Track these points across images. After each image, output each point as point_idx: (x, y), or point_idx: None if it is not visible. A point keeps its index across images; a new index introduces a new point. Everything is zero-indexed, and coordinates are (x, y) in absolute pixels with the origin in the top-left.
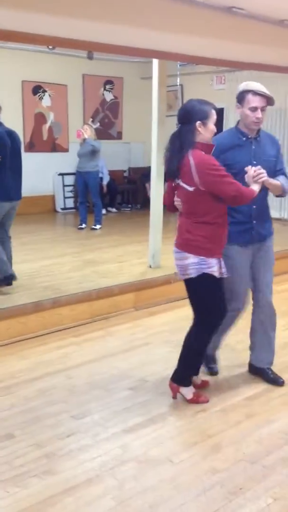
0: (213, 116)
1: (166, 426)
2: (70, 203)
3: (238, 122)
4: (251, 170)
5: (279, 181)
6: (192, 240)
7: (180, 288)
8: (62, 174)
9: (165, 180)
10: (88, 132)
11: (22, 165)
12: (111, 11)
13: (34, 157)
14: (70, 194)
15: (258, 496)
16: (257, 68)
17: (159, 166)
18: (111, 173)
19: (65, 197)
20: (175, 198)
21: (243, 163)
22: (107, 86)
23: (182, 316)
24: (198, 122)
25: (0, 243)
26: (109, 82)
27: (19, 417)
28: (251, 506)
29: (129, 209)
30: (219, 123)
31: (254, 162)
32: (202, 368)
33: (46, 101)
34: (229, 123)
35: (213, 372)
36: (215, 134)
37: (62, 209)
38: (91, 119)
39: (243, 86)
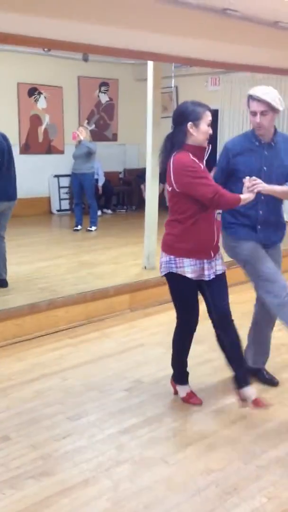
0: (206, 117)
1: (162, 427)
2: (65, 204)
3: None
4: (247, 181)
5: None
6: (164, 238)
7: None
8: (57, 176)
9: (160, 181)
10: (83, 134)
11: (15, 166)
12: (106, 13)
13: (30, 159)
14: (66, 196)
15: (253, 496)
16: (251, 70)
17: (154, 167)
18: (107, 174)
19: (60, 199)
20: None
21: (252, 169)
22: (102, 88)
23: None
24: (189, 123)
25: None
26: (104, 84)
27: (15, 419)
28: (245, 505)
29: (124, 210)
30: (213, 125)
31: (265, 169)
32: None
33: (41, 103)
34: (224, 124)
35: (272, 383)
36: (211, 136)
37: (58, 210)
38: (86, 121)
39: (249, 90)
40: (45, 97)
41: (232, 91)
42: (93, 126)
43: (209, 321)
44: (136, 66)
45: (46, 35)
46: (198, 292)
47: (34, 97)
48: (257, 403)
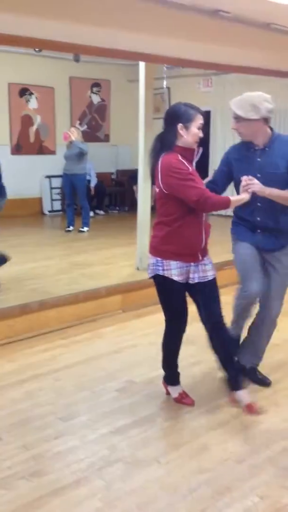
0: (198, 120)
1: (154, 427)
2: (57, 205)
3: None
4: (243, 181)
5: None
6: (151, 240)
7: None
8: (49, 177)
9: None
10: (75, 135)
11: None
12: (98, 14)
13: (21, 160)
14: (58, 197)
15: (245, 495)
16: (244, 71)
17: (146, 168)
18: (99, 175)
19: (52, 200)
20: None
21: (247, 174)
22: (94, 89)
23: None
24: (180, 125)
25: None
26: (96, 84)
27: (6, 420)
28: (238, 505)
29: (116, 211)
30: (205, 126)
31: (258, 175)
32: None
33: (33, 104)
34: (216, 126)
35: (264, 383)
36: (202, 139)
37: (50, 211)
38: (78, 122)
39: None
40: (36, 98)
41: (225, 92)
42: (85, 127)
43: (200, 322)
44: (128, 67)
45: (38, 35)
46: (186, 294)
47: (26, 98)
48: (249, 408)
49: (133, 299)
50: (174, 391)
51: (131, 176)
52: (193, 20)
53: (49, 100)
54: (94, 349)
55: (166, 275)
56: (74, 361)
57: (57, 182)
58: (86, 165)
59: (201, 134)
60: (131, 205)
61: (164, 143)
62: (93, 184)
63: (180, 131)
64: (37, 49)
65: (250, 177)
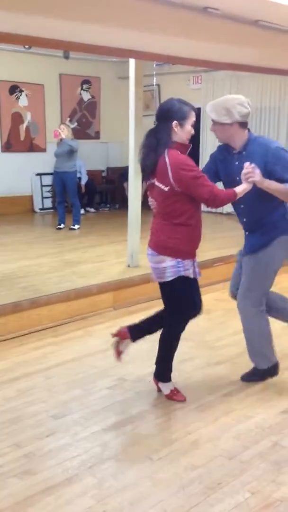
0: (191, 117)
1: (145, 424)
2: (48, 203)
3: None
4: (245, 169)
5: (286, 186)
6: (169, 242)
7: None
8: (40, 174)
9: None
10: (65, 132)
11: None
12: (87, 10)
13: (12, 157)
14: (48, 194)
15: (236, 491)
16: (233, 68)
17: (136, 165)
18: (89, 173)
19: (43, 197)
20: (149, 198)
21: (228, 178)
22: (85, 86)
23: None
24: (174, 122)
25: None
26: (86, 81)
27: None
28: (229, 500)
29: (107, 209)
30: (196, 123)
31: (237, 178)
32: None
33: (23, 101)
34: (206, 123)
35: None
36: (193, 136)
37: (41, 209)
38: (68, 119)
39: None
40: (26, 95)
41: (214, 89)
42: (75, 124)
43: (194, 319)
44: (118, 64)
45: (27, 32)
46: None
47: (16, 95)
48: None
49: (125, 296)
50: (166, 388)
51: (122, 173)
52: (182, 17)
53: (39, 97)
54: (86, 347)
55: (187, 275)
56: (66, 359)
57: (47, 180)
58: (76, 162)
59: (193, 132)
60: (122, 203)
61: (160, 139)
62: (83, 181)
63: (175, 128)
64: (26, 46)
65: (253, 165)
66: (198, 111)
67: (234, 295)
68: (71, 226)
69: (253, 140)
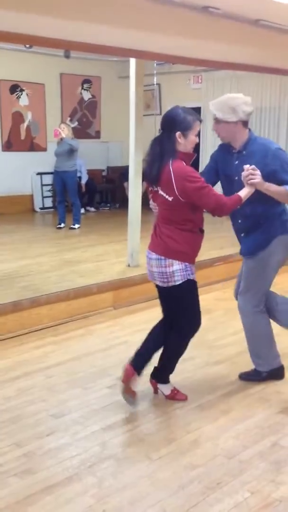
0: (196, 128)
1: (145, 424)
2: (48, 202)
3: None
4: (245, 171)
5: (286, 189)
6: (178, 247)
7: None
8: (40, 174)
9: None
10: (65, 131)
11: None
12: (88, 10)
13: (12, 157)
14: (49, 194)
15: (236, 490)
16: (233, 68)
17: (137, 165)
18: (90, 172)
19: (43, 197)
20: (151, 202)
21: (227, 177)
22: (85, 85)
23: (161, 315)
24: (178, 133)
25: None
26: (87, 81)
27: None
28: (228, 500)
29: (107, 208)
30: None
31: (236, 178)
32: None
33: (23, 100)
34: (206, 122)
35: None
36: (197, 144)
37: (41, 208)
38: (69, 118)
39: None
40: (27, 94)
41: (215, 89)
42: (76, 124)
43: None
44: (119, 63)
45: (28, 31)
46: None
47: (16, 94)
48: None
49: (125, 296)
50: (166, 389)
51: (122, 173)
52: (183, 16)
53: (40, 96)
54: (86, 346)
55: (193, 278)
56: (66, 358)
57: (48, 179)
58: (76, 162)
59: (197, 140)
60: (122, 202)
61: (164, 150)
62: (84, 181)
63: (179, 139)
64: (27, 45)
65: (253, 166)
66: (198, 111)
67: (235, 295)
68: (71, 226)
69: (254, 140)
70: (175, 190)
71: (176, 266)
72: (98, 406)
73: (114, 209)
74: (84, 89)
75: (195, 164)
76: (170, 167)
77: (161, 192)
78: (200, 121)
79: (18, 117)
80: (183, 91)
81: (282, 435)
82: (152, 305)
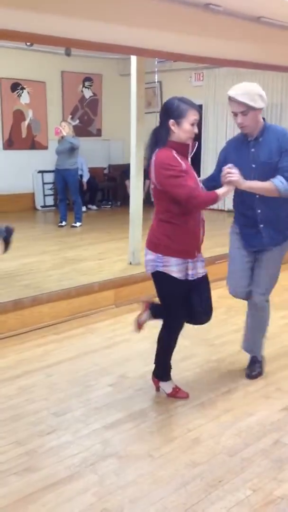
0: (190, 116)
1: (146, 422)
2: (50, 200)
3: None
4: (224, 171)
5: (273, 182)
6: (152, 237)
7: None
8: (41, 172)
9: (145, 177)
10: (66, 129)
11: None
12: (89, 7)
13: (13, 155)
14: (50, 192)
15: (237, 488)
16: (235, 65)
17: (138, 163)
18: (91, 170)
19: (45, 195)
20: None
21: (242, 166)
22: (86, 83)
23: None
24: (171, 121)
25: None
26: (88, 79)
27: None
28: (230, 498)
29: (109, 206)
30: (198, 121)
31: (253, 166)
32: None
33: (24, 98)
34: (208, 119)
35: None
36: (197, 134)
37: (42, 206)
38: (70, 116)
39: (229, 90)
40: (28, 92)
41: (216, 86)
42: (77, 122)
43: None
44: (120, 61)
45: (28, 29)
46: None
47: (17, 92)
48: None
49: (126, 294)
50: (167, 387)
51: (124, 171)
52: (184, 14)
53: (41, 94)
54: (87, 344)
55: (165, 271)
56: (67, 357)
57: (49, 177)
58: (77, 160)
59: (195, 130)
60: (124, 200)
61: (157, 138)
62: (85, 179)
63: (172, 127)
64: (28, 43)
65: (230, 165)
66: (199, 108)
67: (243, 295)
68: (73, 224)
69: (268, 127)
70: (154, 177)
71: (149, 256)
72: (99, 404)
73: (115, 207)
74: (85, 87)
75: (197, 158)
76: (155, 155)
77: (151, 181)
78: (197, 110)
79: (19, 115)
80: (184, 88)
81: (284, 433)
82: None
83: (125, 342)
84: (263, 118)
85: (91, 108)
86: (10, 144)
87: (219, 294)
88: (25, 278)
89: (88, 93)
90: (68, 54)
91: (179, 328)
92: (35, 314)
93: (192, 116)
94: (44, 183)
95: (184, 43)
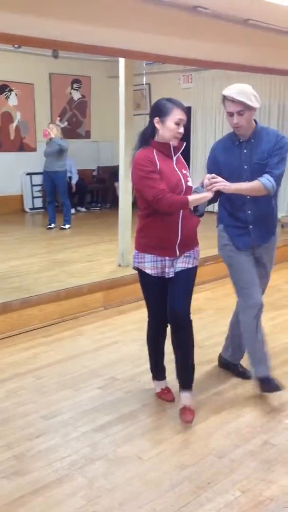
0: (175, 115)
1: (135, 424)
2: (38, 203)
3: None
4: (206, 179)
5: (260, 180)
6: (136, 234)
7: None
8: (30, 174)
9: None
10: (54, 131)
11: None
12: (77, 10)
13: (1, 157)
14: (39, 194)
15: (226, 490)
16: (223, 67)
17: (127, 165)
18: (80, 172)
19: (33, 197)
20: None
21: (233, 168)
22: (75, 85)
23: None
24: (156, 119)
25: None
26: (76, 81)
27: None
28: (219, 499)
29: (98, 208)
30: (186, 122)
31: (245, 167)
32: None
33: (12, 100)
34: (197, 121)
35: (245, 376)
36: (185, 135)
37: (31, 209)
38: (59, 118)
39: (224, 90)
40: (16, 94)
41: (205, 88)
42: (65, 124)
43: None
44: (108, 63)
45: (16, 31)
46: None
47: (5, 94)
48: (184, 413)
49: (115, 296)
50: (157, 386)
51: (113, 172)
52: (172, 16)
53: (29, 96)
54: (76, 347)
55: (140, 267)
56: (56, 359)
57: (38, 179)
58: (66, 162)
59: (180, 130)
60: (113, 202)
61: (143, 138)
62: (74, 181)
63: (157, 125)
64: (16, 45)
65: (213, 175)
66: (188, 110)
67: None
68: (62, 226)
69: (260, 129)
70: (131, 177)
71: (134, 252)
72: (88, 407)
73: (104, 209)
74: (74, 89)
75: (186, 160)
76: (134, 155)
77: None
78: (184, 110)
79: (7, 117)
80: (173, 90)
81: (273, 434)
82: (142, 304)
83: (114, 345)
84: (255, 120)
85: (80, 110)
86: None
87: (207, 296)
88: (14, 281)
89: (76, 95)
90: (55, 56)
91: (157, 324)
92: (24, 317)
93: (177, 115)
94: (32, 185)
95: (172, 45)
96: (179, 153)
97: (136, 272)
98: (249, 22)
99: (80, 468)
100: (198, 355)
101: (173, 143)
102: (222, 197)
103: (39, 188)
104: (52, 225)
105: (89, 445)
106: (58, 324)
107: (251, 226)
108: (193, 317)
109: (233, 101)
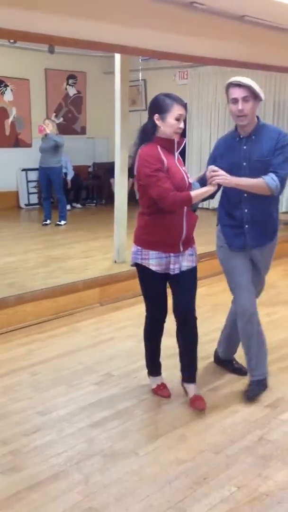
0: (175, 111)
1: (131, 419)
2: (34, 199)
3: None
4: (208, 172)
5: (264, 179)
6: (136, 230)
7: None
8: (25, 170)
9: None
10: (50, 127)
11: None
12: (72, 5)
13: None
14: (34, 190)
15: (222, 485)
16: (218, 64)
17: (123, 161)
18: (76, 168)
19: (29, 193)
20: None
21: (233, 165)
22: (70, 81)
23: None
24: (156, 115)
25: None
26: (72, 76)
27: None
28: (215, 494)
29: (94, 204)
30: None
31: (244, 164)
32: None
33: (8, 96)
34: (193, 118)
35: (241, 372)
36: (184, 130)
37: (26, 205)
38: (54, 114)
39: (229, 80)
40: (11, 90)
41: (200, 84)
42: (61, 120)
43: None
44: (104, 59)
45: (11, 26)
46: (167, 285)
47: (1, 90)
48: (196, 401)
49: (111, 292)
50: (153, 382)
51: (108, 169)
52: (168, 11)
53: (25, 92)
54: (72, 343)
55: (144, 264)
56: (52, 355)
57: (33, 175)
58: (61, 158)
59: (181, 125)
60: (108, 198)
61: (144, 134)
62: (69, 177)
63: (157, 122)
64: (11, 40)
65: (215, 167)
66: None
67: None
68: (57, 222)
69: (262, 125)
70: (135, 172)
71: (133, 248)
72: (84, 403)
73: (100, 205)
74: (69, 85)
75: (182, 156)
76: (140, 150)
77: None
78: (183, 105)
79: (2, 113)
80: (169, 86)
81: (269, 429)
82: (138, 301)
83: (110, 341)
84: (257, 117)
85: (75, 106)
86: None
87: (203, 292)
88: (9, 277)
89: (72, 91)
90: (51, 51)
91: (156, 321)
92: (19, 313)
93: (177, 110)
94: (28, 181)
95: (168, 41)
96: (180, 149)
97: (132, 268)
98: (245, 18)
99: (76, 463)
100: None
101: (174, 138)
102: (221, 195)
103: (34, 184)
104: (48, 221)
105: (85, 441)
106: (54, 320)
107: (246, 226)
108: None
109: (240, 85)
